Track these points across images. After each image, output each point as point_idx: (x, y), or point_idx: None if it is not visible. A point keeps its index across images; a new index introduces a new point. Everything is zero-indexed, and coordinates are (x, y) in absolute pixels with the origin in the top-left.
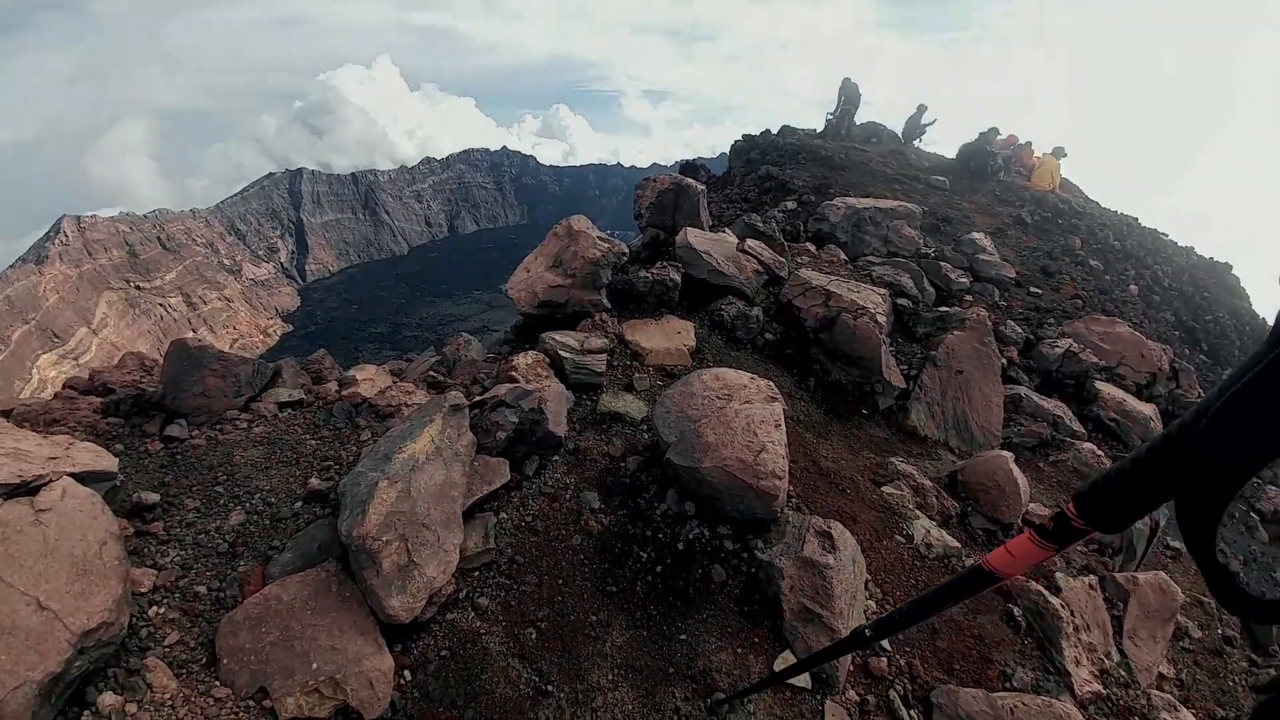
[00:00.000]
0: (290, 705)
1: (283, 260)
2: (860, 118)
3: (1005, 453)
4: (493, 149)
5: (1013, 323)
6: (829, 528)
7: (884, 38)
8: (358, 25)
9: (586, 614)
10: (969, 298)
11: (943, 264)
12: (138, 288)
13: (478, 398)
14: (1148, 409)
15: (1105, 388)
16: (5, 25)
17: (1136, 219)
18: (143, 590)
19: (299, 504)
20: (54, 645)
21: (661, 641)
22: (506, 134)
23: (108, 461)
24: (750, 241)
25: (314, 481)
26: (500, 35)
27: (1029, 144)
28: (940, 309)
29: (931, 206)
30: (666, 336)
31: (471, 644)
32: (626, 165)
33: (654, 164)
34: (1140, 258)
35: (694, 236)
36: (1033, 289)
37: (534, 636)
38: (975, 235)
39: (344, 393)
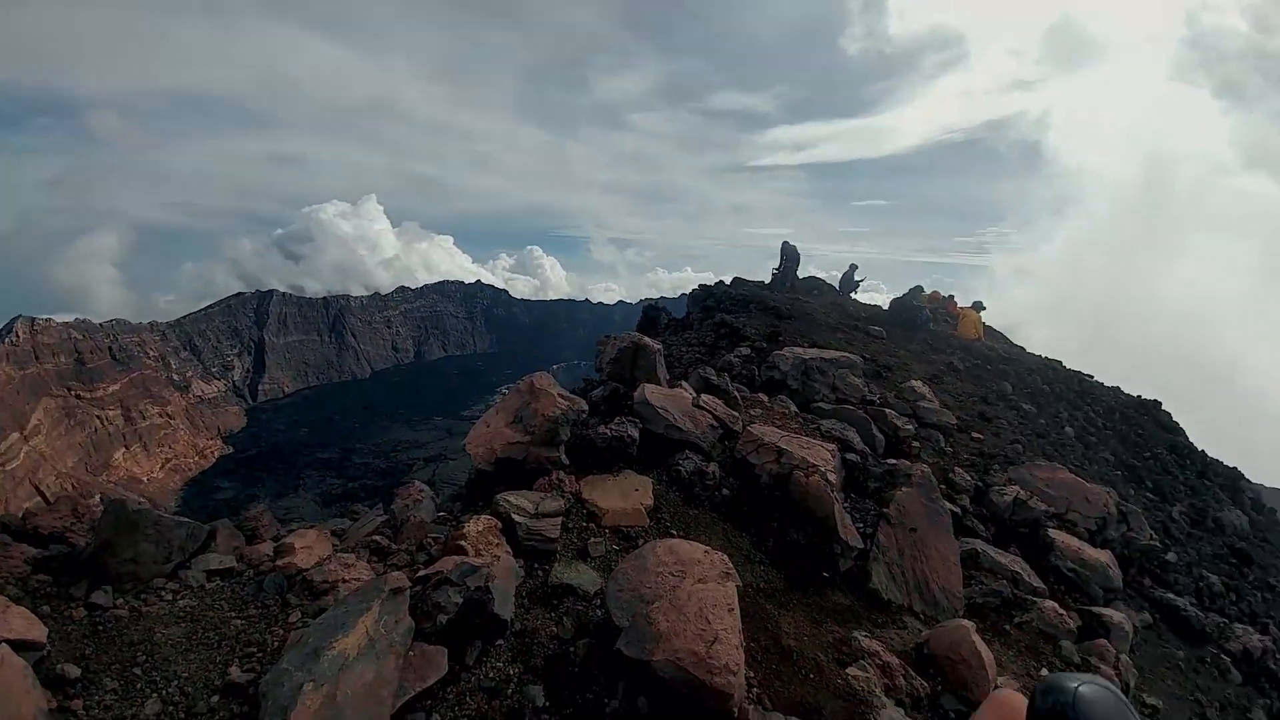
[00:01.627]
0: None
1: (235, 379)
2: (802, 273)
3: (966, 622)
4: (467, 281)
5: (961, 470)
6: None
7: (816, 204)
8: (351, 168)
9: None
10: (916, 444)
11: (888, 411)
12: (78, 396)
13: (421, 572)
14: (1104, 556)
15: (1059, 535)
16: None
17: (1060, 362)
18: None
19: (215, 698)
20: None
21: None
22: (481, 269)
23: (38, 631)
24: (705, 396)
25: (234, 671)
26: (483, 186)
27: (952, 297)
28: (889, 461)
29: (872, 354)
30: (624, 494)
31: None
32: (595, 301)
33: (620, 301)
34: (1071, 399)
35: (651, 392)
36: (974, 434)
37: None
38: (914, 383)
39: (279, 562)
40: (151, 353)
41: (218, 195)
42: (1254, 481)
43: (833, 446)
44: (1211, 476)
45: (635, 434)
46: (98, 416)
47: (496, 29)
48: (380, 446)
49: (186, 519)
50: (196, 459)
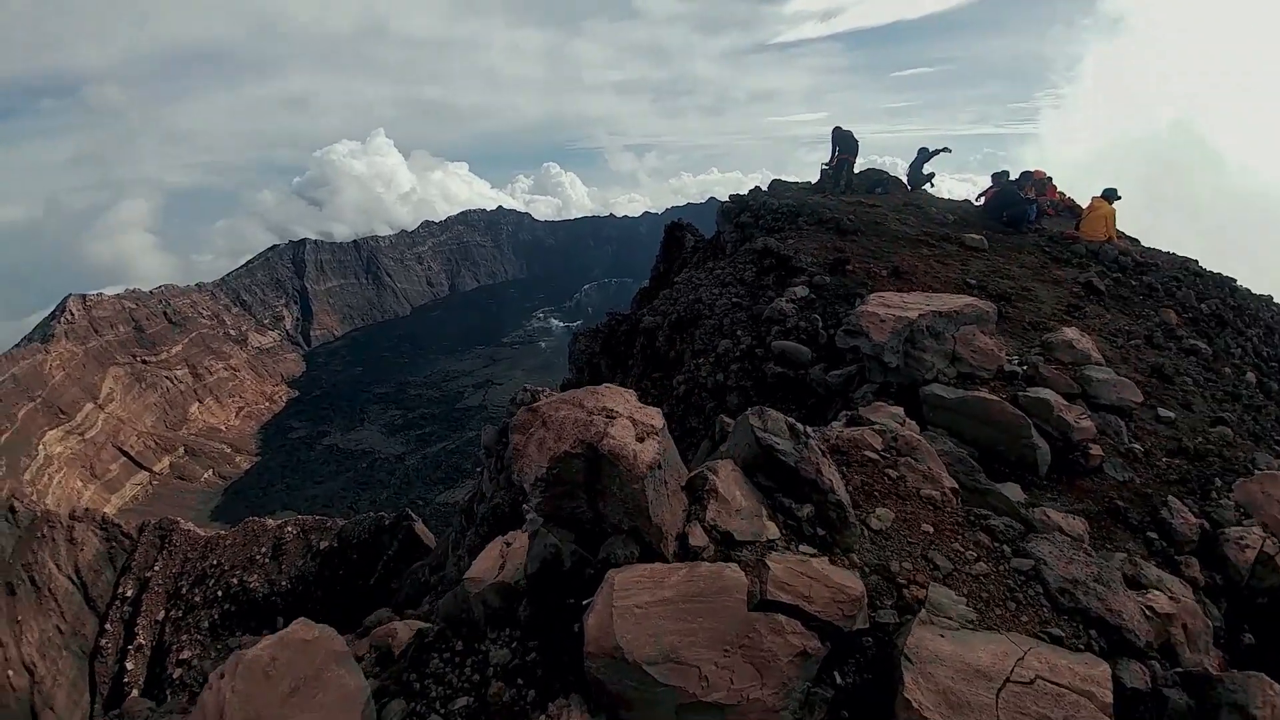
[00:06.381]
0: None
1: (288, 328)
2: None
3: None
4: (489, 209)
5: (1175, 500)
6: None
7: (854, 79)
8: (356, 102)
9: None
10: (1096, 451)
11: (1045, 393)
12: (144, 362)
13: None
14: None
15: None
16: (3, 111)
17: (1196, 261)
18: None
19: None
20: None
21: None
22: (501, 194)
23: None
24: (780, 563)
25: None
26: (490, 103)
27: (1050, 180)
28: (1183, 671)
29: (979, 280)
30: None
31: None
32: (620, 215)
33: (646, 212)
34: (1231, 321)
35: (629, 624)
36: (1162, 411)
37: None
38: (1069, 333)
39: None
40: (205, 312)
41: (234, 149)
42: None
43: (1097, 666)
44: None
45: None
46: (167, 377)
47: None
48: (431, 378)
49: None
50: (268, 404)
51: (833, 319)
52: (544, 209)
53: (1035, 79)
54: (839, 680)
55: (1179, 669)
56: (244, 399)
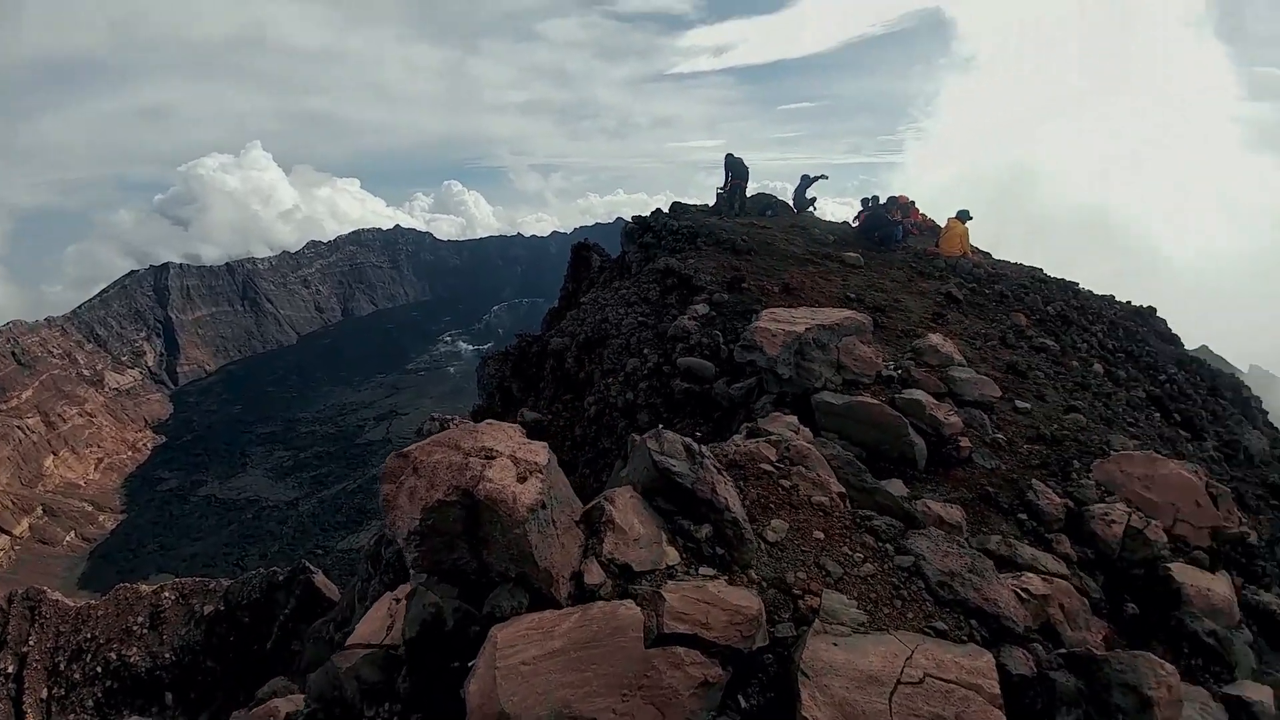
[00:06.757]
0: None
1: (150, 364)
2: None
3: None
4: (385, 228)
5: (1039, 483)
6: None
7: (745, 110)
8: (228, 113)
9: None
10: (965, 443)
11: (918, 394)
12: None
13: None
14: (1224, 584)
15: (1183, 574)
16: None
17: (1041, 269)
18: None
19: None
20: None
21: None
22: (398, 213)
23: None
24: (675, 592)
25: None
26: (382, 118)
27: (913, 203)
28: (1066, 652)
29: (858, 294)
30: None
31: None
32: (527, 235)
33: (554, 232)
34: (1076, 320)
35: (515, 684)
36: (1018, 402)
37: None
38: (934, 339)
39: None
40: (55, 351)
41: (86, 164)
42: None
43: (981, 657)
44: (1223, 391)
45: None
46: (18, 427)
47: None
48: (324, 412)
49: None
50: (130, 453)
51: (732, 334)
52: (447, 228)
53: (899, 114)
54: (743, 704)
55: (1062, 650)
56: (103, 448)
